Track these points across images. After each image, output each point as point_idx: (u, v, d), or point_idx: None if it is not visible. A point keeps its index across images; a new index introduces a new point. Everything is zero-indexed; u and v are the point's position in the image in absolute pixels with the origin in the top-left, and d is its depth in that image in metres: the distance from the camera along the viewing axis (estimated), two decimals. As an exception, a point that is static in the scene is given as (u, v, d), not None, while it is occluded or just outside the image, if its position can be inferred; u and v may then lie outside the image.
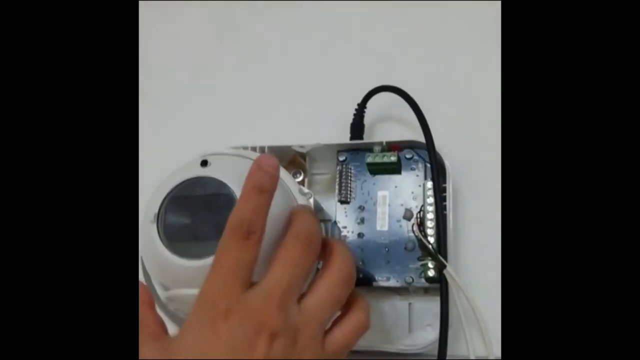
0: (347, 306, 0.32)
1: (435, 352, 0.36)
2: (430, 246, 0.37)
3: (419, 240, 0.38)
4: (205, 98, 0.50)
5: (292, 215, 0.33)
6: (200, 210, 0.35)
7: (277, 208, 0.35)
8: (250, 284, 0.29)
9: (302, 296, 0.30)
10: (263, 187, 0.31)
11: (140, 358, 0.30)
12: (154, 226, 0.35)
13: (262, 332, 0.28)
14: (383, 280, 0.39)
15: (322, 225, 0.41)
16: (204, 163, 0.36)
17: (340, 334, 0.31)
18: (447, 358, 0.35)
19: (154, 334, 0.31)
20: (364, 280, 0.39)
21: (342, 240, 0.33)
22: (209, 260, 0.34)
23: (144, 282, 0.35)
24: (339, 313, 0.32)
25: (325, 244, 0.32)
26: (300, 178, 0.43)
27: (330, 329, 0.31)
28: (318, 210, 0.41)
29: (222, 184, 0.35)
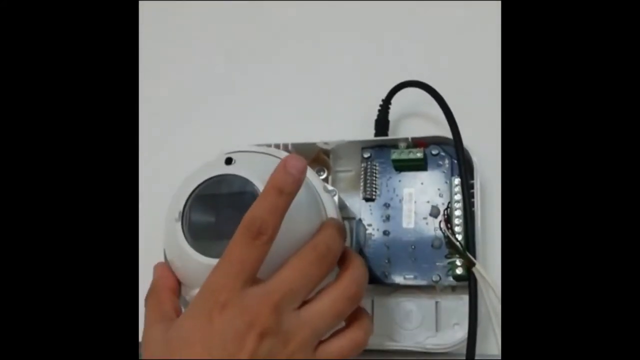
0: (349, 321, 0.32)
1: (463, 351, 0.35)
2: (458, 244, 0.37)
3: (447, 237, 0.38)
4: (229, 96, 0.50)
5: (320, 226, 0.33)
6: (224, 208, 0.35)
7: (299, 208, 0.35)
8: (256, 282, 0.30)
9: (304, 303, 0.30)
10: (284, 188, 0.30)
11: (146, 335, 0.31)
12: (179, 224, 0.35)
13: (253, 329, 0.28)
14: (411, 278, 0.39)
15: (347, 223, 0.40)
16: (229, 161, 0.35)
17: (335, 346, 0.31)
18: (476, 357, 0.35)
19: (166, 316, 0.32)
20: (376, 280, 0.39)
21: (359, 256, 0.34)
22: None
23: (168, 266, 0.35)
24: (341, 326, 0.32)
25: (344, 256, 0.33)
26: (324, 175, 0.43)
27: (327, 339, 0.31)
28: (342, 207, 0.40)
29: (246, 182, 0.35)
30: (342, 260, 0.32)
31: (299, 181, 0.31)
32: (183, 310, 0.33)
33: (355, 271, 0.32)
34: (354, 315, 0.32)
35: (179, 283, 0.34)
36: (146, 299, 0.34)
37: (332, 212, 0.38)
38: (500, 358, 0.34)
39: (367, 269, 0.33)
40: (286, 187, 0.31)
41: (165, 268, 0.35)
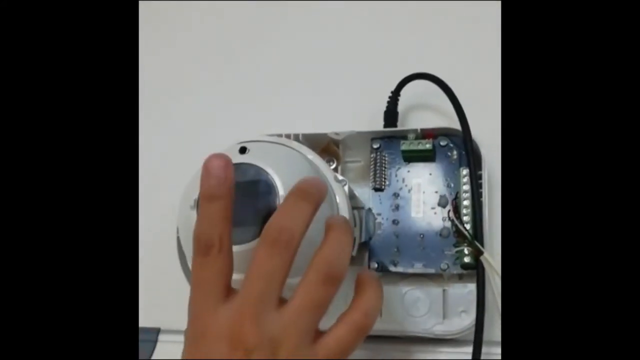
0: (352, 301, 0.29)
1: (470, 337, 0.36)
2: (467, 232, 0.37)
3: (455, 226, 0.39)
4: (240, 87, 0.50)
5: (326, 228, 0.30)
6: (239, 196, 0.36)
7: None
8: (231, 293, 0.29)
9: (283, 301, 0.28)
10: (213, 194, 0.30)
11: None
12: (194, 212, 0.35)
13: (237, 350, 0.27)
14: (419, 267, 0.39)
15: (356, 212, 0.41)
16: (243, 150, 0.36)
17: (332, 339, 0.28)
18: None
19: (219, 296, 0.30)
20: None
21: (341, 222, 0.30)
22: (248, 246, 0.34)
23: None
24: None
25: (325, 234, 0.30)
26: (334, 166, 0.44)
27: (322, 333, 0.29)
28: (352, 197, 0.41)
29: (260, 170, 0.35)
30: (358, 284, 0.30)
31: (226, 179, 0.30)
32: None
33: (325, 249, 0.29)
34: (358, 293, 0.29)
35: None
36: (204, 202, 0.31)
37: (342, 202, 0.39)
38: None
39: (343, 235, 0.30)
40: (215, 191, 0.30)
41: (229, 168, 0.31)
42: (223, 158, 0.30)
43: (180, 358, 0.29)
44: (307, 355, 0.27)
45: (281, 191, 0.35)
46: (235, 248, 0.34)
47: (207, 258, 0.29)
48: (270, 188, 0.35)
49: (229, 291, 0.29)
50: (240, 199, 0.36)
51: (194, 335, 0.28)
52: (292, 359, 0.27)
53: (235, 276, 0.35)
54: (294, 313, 0.28)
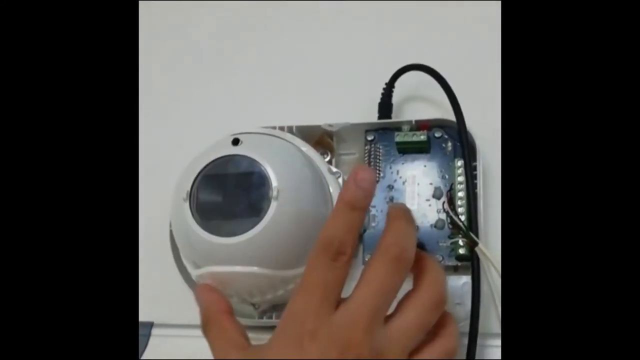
0: (435, 328, 0.32)
1: (465, 329, 0.36)
2: (461, 223, 0.37)
3: (450, 218, 0.38)
4: (232, 78, 0.50)
5: (387, 223, 0.32)
6: (232, 188, 0.36)
7: (305, 190, 0.36)
8: (341, 303, 0.30)
9: (389, 317, 0.30)
10: (356, 204, 0.30)
11: None
12: (187, 204, 0.35)
13: (347, 356, 0.28)
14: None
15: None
16: (236, 142, 0.36)
17: (427, 356, 0.31)
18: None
19: (239, 345, 0.31)
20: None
21: (434, 257, 0.33)
22: (241, 238, 0.34)
23: (213, 287, 0.35)
24: None
25: (417, 259, 0.31)
26: (328, 158, 0.43)
27: (418, 349, 0.31)
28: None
29: (254, 162, 0.35)
30: (416, 262, 0.31)
31: (370, 194, 0.31)
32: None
33: (434, 274, 0.31)
34: (441, 322, 0.32)
35: (225, 298, 0.34)
36: (205, 329, 0.33)
37: (336, 193, 0.39)
38: (499, 333, 0.35)
39: (442, 267, 0.32)
40: (358, 202, 0.30)
41: (212, 290, 0.34)
42: (371, 171, 0.31)
43: (256, 345, 0.31)
44: None
45: (274, 183, 0.35)
46: (227, 240, 0.34)
47: (335, 263, 0.30)
48: (263, 180, 0.35)
49: (339, 300, 0.30)
50: (232, 191, 0.36)
51: (300, 333, 0.29)
52: None
53: (224, 268, 0.35)
54: (403, 329, 0.30)
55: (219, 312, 0.33)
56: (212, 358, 0.32)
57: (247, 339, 0.32)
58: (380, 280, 0.30)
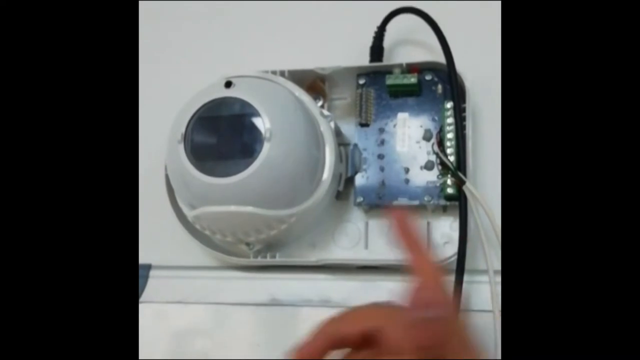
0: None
1: (453, 266, 0.37)
2: (449, 163, 0.38)
3: (439, 158, 0.39)
4: (225, 24, 0.50)
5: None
6: (226, 130, 0.36)
7: (298, 132, 0.36)
8: None
9: None
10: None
11: None
12: (181, 146, 0.36)
13: None
14: (404, 200, 0.40)
15: (342, 148, 0.42)
16: (228, 84, 0.37)
17: None
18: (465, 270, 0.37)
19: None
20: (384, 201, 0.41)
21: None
22: (235, 178, 0.35)
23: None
24: None
25: None
26: (321, 103, 0.44)
27: None
28: (338, 134, 0.42)
29: (246, 104, 0.36)
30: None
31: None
32: None
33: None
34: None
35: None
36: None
37: (328, 136, 0.40)
38: (486, 269, 0.37)
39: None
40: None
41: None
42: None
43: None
44: None
45: (267, 124, 0.35)
46: (221, 180, 0.35)
47: None
48: (256, 121, 0.35)
49: None
50: (225, 132, 0.36)
51: None
52: None
53: (219, 208, 0.36)
54: None
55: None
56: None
57: None
58: None
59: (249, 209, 0.36)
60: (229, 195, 0.35)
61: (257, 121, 0.36)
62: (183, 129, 0.36)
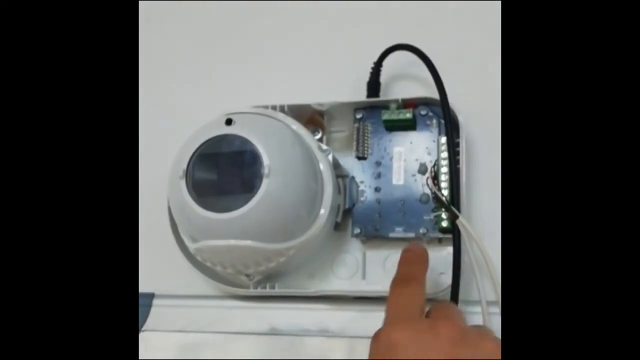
0: None
1: (448, 297, 0.38)
2: (443, 198, 0.39)
3: (433, 193, 0.40)
4: (224, 59, 0.51)
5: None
6: (226, 166, 0.38)
7: (296, 166, 0.38)
8: None
9: None
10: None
11: None
12: (183, 182, 0.37)
13: None
14: (399, 231, 0.41)
15: (340, 180, 0.43)
16: (229, 122, 0.38)
17: None
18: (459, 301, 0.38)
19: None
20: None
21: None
22: (235, 214, 0.36)
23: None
24: None
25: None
26: (319, 135, 0.45)
27: None
28: (336, 166, 0.43)
29: (246, 141, 0.37)
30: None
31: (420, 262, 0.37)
32: None
33: None
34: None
35: None
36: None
37: (326, 170, 0.41)
38: (479, 300, 0.37)
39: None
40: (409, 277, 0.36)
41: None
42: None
43: None
44: None
45: (266, 161, 0.36)
46: (221, 216, 0.36)
47: None
48: (255, 158, 0.37)
49: None
50: (226, 169, 0.38)
51: None
52: None
53: (219, 242, 0.37)
54: None
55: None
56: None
57: None
58: None
59: (249, 242, 0.37)
60: (229, 230, 0.37)
61: (257, 158, 0.37)
62: (185, 165, 0.37)
